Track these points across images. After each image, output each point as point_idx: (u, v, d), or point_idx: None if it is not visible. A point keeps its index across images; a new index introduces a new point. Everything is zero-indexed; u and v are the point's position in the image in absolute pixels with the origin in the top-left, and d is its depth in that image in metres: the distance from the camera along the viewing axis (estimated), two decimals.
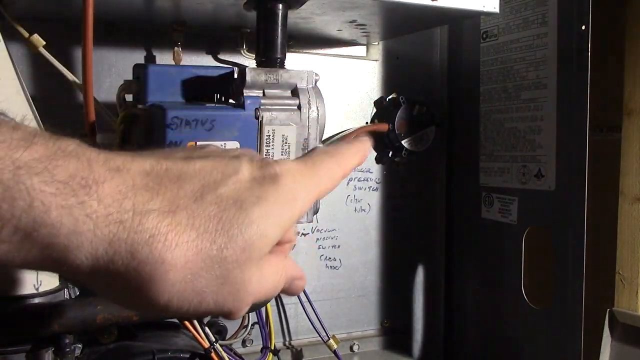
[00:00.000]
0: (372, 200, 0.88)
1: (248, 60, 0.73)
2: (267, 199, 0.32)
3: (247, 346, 0.79)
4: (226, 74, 0.60)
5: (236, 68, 0.59)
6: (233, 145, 0.54)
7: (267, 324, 0.76)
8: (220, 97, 0.60)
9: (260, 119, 0.55)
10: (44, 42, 0.59)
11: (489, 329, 0.84)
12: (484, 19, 0.81)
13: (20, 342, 0.54)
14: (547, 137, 0.73)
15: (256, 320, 0.76)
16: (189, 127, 0.52)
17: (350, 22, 0.69)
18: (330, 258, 0.85)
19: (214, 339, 0.65)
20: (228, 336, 0.73)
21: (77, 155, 0.28)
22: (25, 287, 0.55)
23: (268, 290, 0.33)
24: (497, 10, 0.65)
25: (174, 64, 0.70)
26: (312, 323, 0.80)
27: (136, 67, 0.61)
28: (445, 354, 0.92)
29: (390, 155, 0.84)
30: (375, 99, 0.86)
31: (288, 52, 0.61)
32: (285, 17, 0.59)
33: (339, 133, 0.83)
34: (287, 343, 0.84)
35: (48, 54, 0.59)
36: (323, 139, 0.60)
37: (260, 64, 0.59)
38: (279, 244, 0.34)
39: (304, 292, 0.80)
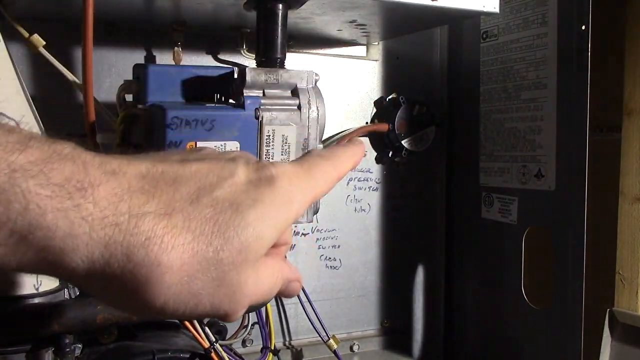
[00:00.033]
0: (372, 200, 0.87)
1: (248, 60, 0.73)
2: (263, 201, 0.32)
3: (247, 346, 0.79)
4: (226, 74, 0.60)
5: (236, 68, 0.58)
6: (233, 145, 0.54)
7: (267, 324, 0.76)
8: (220, 97, 0.60)
9: (260, 119, 0.55)
10: (44, 42, 0.59)
11: (489, 329, 0.84)
12: (484, 19, 0.81)
13: (20, 342, 0.54)
14: (547, 137, 0.73)
15: (256, 320, 0.76)
16: (189, 127, 0.52)
17: (350, 22, 0.69)
18: (330, 258, 0.85)
19: (214, 339, 0.65)
20: (228, 336, 0.73)
21: (73, 158, 0.28)
22: (25, 287, 0.55)
23: (264, 292, 0.33)
24: (497, 10, 0.65)
25: (174, 64, 0.70)
26: (312, 323, 0.80)
27: (136, 67, 0.61)
28: (445, 354, 0.92)
29: (390, 155, 0.84)
30: (375, 99, 0.86)
31: (288, 52, 0.61)
32: (285, 17, 0.59)
33: (339, 133, 0.83)
34: (287, 343, 0.84)
35: (48, 54, 0.59)
36: (323, 139, 0.60)
37: (260, 64, 0.59)
38: (275, 246, 0.34)
39: (304, 292, 0.80)
